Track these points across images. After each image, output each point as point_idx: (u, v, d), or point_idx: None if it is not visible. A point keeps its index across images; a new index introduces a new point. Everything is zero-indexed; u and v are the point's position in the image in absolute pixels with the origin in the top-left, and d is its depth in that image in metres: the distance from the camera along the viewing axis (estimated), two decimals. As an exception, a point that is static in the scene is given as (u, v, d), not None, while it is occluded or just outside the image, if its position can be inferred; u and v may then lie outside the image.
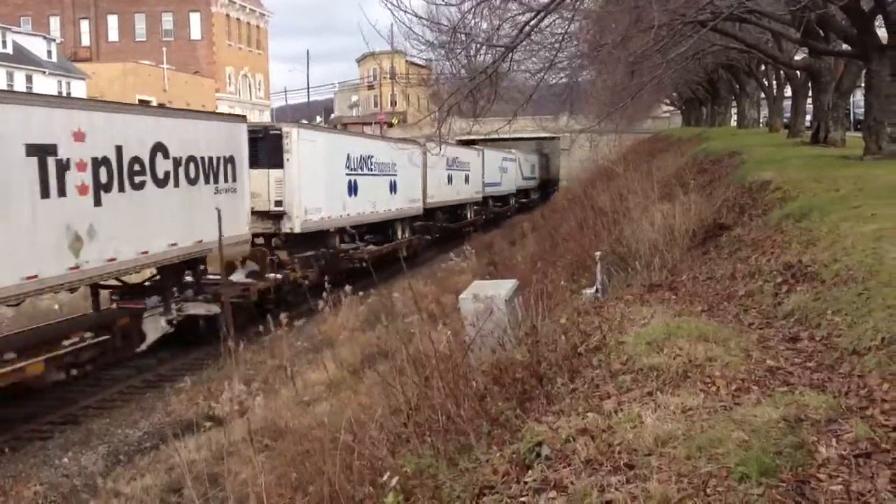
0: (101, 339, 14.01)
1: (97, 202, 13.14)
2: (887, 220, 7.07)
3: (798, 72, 20.29)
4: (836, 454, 3.25)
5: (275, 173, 20.07)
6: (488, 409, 5.18)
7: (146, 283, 16.57)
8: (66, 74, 51.71)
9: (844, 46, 14.46)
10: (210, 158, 16.71)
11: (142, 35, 64.80)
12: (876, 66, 12.53)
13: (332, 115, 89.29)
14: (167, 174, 15.16)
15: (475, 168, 38.60)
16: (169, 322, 16.02)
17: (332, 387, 11.03)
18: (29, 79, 48.13)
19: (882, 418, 3.58)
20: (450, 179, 34.45)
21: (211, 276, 17.49)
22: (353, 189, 24.08)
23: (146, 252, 14.50)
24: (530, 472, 3.71)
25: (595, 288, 8.49)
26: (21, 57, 48.43)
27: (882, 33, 12.74)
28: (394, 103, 75.09)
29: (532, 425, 4.20)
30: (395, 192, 27.66)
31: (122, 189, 13.77)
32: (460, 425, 5.01)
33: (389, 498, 4.29)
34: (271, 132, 20.45)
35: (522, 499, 3.50)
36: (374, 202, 25.74)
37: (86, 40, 65.34)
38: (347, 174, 23.83)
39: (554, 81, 17.03)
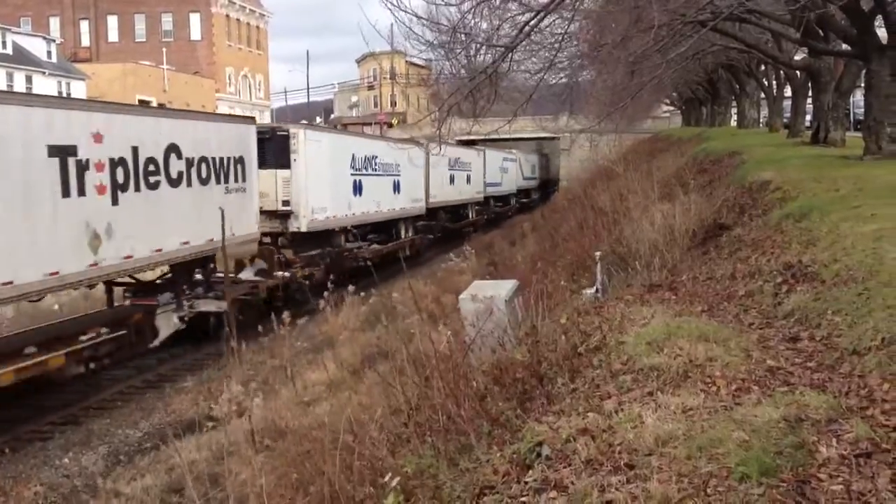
0: (117, 334, 14.41)
1: (114, 201, 13.55)
2: (887, 220, 7.07)
3: (798, 72, 20.29)
4: (837, 454, 3.25)
5: (282, 173, 20.44)
6: (489, 409, 5.17)
7: (157, 281, 16.92)
8: (66, 75, 51.69)
9: (844, 46, 14.45)
10: (221, 159, 17.12)
11: (142, 35, 64.78)
12: (876, 66, 12.53)
13: (332, 116, 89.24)
14: (180, 174, 15.58)
15: (477, 168, 38.70)
16: (181, 318, 16.36)
17: (332, 387, 11.03)
18: (29, 79, 48.09)
19: (882, 418, 3.58)
20: (452, 179, 34.59)
21: (220, 274, 17.78)
22: (357, 189, 24.36)
23: (160, 250, 14.91)
24: (531, 472, 3.71)
25: (595, 288, 8.49)
26: (21, 57, 48.40)
27: (882, 33, 12.74)
28: (394, 103, 75.08)
29: (532, 425, 4.20)
30: (398, 192, 27.88)
31: (137, 189, 14.18)
32: (461, 425, 5.01)
33: (390, 499, 4.29)
34: (279, 133, 20.85)
35: (523, 499, 3.50)
36: (379, 202, 25.98)
37: (86, 41, 65.32)
38: (352, 174, 24.11)
39: (554, 81, 17.02)
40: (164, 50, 59.72)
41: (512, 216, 44.33)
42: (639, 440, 3.58)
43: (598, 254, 8.99)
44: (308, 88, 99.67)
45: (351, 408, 7.44)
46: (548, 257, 15.02)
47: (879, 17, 12.72)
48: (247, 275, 19.15)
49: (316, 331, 17.35)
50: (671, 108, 51.12)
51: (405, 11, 9.37)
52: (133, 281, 16.08)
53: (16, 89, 42.88)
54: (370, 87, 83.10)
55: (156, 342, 15.82)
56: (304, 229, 20.83)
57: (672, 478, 3.18)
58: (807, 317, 5.51)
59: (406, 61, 65.77)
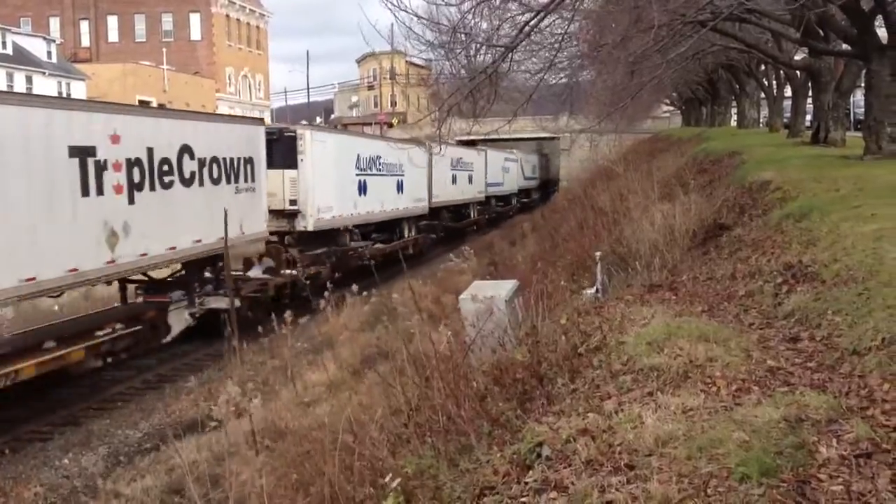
0: (133, 329, 14.86)
1: (131, 200, 13.97)
2: (887, 220, 7.07)
3: (798, 72, 20.28)
4: (837, 454, 3.25)
5: (289, 173, 20.80)
6: (489, 409, 5.17)
7: (169, 279, 17.24)
8: (66, 75, 51.70)
9: (844, 46, 14.45)
10: (231, 159, 17.53)
11: (142, 36, 64.80)
12: (876, 66, 12.52)
13: (332, 116, 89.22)
14: (193, 174, 15.99)
15: (478, 168, 38.86)
16: (192, 315, 16.72)
17: (332, 387, 11.02)
18: (29, 80, 48.09)
19: (883, 418, 3.58)
20: (454, 179, 34.83)
21: (234, 272, 18.11)
22: (362, 189, 24.68)
23: (174, 248, 15.36)
24: (531, 472, 3.70)
25: (595, 288, 8.49)
26: (21, 58, 48.40)
27: (882, 33, 12.73)
28: (394, 103, 75.07)
29: (532, 426, 4.20)
30: (401, 192, 28.14)
31: (152, 188, 14.60)
32: (461, 426, 5.00)
33: (390, 499, 4.29)
34: (286, 134, 21.30)
35: (523, 499, 3.49)
36: (383, 201, 26.26)
37: (86, 41, 65.34)
38: (357, 174, 24.44)
39: (554, 81, 17.03)
40: (164, 50, 59.74)
41: (513, 216, 44.43)
42: (639, 440, 3.58)
43: (598, 254, 8.99)
44: (308, 88, 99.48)
45: (351, 408, 7.44)
46: (548, 257, 15.02)
47: (879, 16, 12.72)
48: (255, 273, 19.58)
49: (316, 331, 17.33)
50: (671, 108, 51.10)
51: (405, 11, 9.39)
52: (146, 278, 16.46)
53: (16, 90, 42.88)
54: (370, 87, 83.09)
55: (168, 338, 16.30)
56: (310, 228, 21.17)
57: (672, 478, 3.18)
58: (807, 317, 5.50)
59: (406, 61, 65.76)
